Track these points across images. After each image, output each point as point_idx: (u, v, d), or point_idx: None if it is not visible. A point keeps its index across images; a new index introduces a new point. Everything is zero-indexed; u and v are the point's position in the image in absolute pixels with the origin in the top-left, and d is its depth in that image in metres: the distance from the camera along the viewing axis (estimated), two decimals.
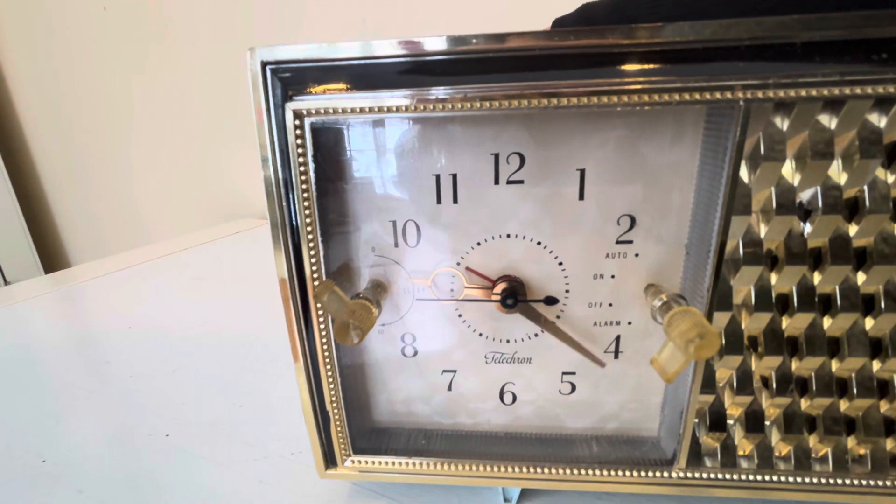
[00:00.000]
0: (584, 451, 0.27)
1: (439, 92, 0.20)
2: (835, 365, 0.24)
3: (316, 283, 0.24)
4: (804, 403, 0.24)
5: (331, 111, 0.21)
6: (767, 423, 0.25)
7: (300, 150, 0.21)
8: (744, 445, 0.25)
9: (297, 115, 0.21)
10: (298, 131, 0.21)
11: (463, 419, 0.29)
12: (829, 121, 0.20)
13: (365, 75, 0.21)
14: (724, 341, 0.24)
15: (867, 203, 0.21)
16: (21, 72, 1.32)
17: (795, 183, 0.21)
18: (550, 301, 0.25)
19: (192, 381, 0.45)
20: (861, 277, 0.22)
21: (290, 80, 0.21)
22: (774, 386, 0.24)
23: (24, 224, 1.35)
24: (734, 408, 0.25)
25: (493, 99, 0.20)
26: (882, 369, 0.23)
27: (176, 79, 1.10)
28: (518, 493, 0.29)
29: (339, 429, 0.27)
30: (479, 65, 0.20)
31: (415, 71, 0.21)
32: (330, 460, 0.28)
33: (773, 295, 0.23)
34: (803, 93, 0.19)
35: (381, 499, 0.30)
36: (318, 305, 0.24)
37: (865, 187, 0.21)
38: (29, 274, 1.34)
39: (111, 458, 0.35)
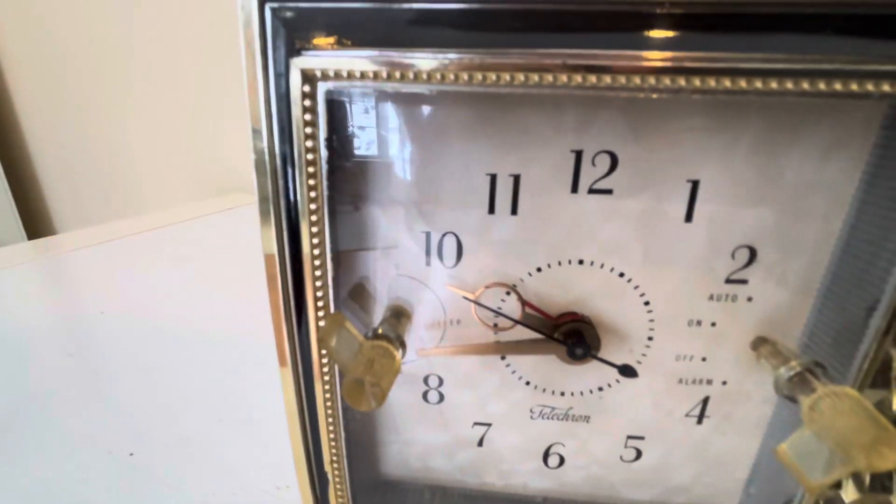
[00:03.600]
0: None
1: (515, 56, 0.14)
2: None
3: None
4: None
5: (357, 74, 0.14)
6: None
7: (308, 129, 0.15)
8: None
9: (308, 77, 0.14)
10: (308, 102, 0.15)
11: (492, 480, 0.23)
12: None
13: (406, 26, 0.14)
14: None
15: None
16: (8, 27, 1.23)
17: None
18: (629, 372, 0.19)
19: (166, 384, 0.39)
20: None
21: (299, 25, 0.14)
22: None
23: (7, 185, 1.28)
24: None
25: (594, 71, 0.14)
26: None
27: (171, 37, 1.01)
28: None
29: (338, 486, 0.21)
30: (579, 19, 0.14)
31: (478, 25, 0.14)
32: None
33: None
34: None
35: None
36: (324, 352, 0.18)
37: None
38: (11, 237, 1.27)
39: (63, 480, 0.30)
